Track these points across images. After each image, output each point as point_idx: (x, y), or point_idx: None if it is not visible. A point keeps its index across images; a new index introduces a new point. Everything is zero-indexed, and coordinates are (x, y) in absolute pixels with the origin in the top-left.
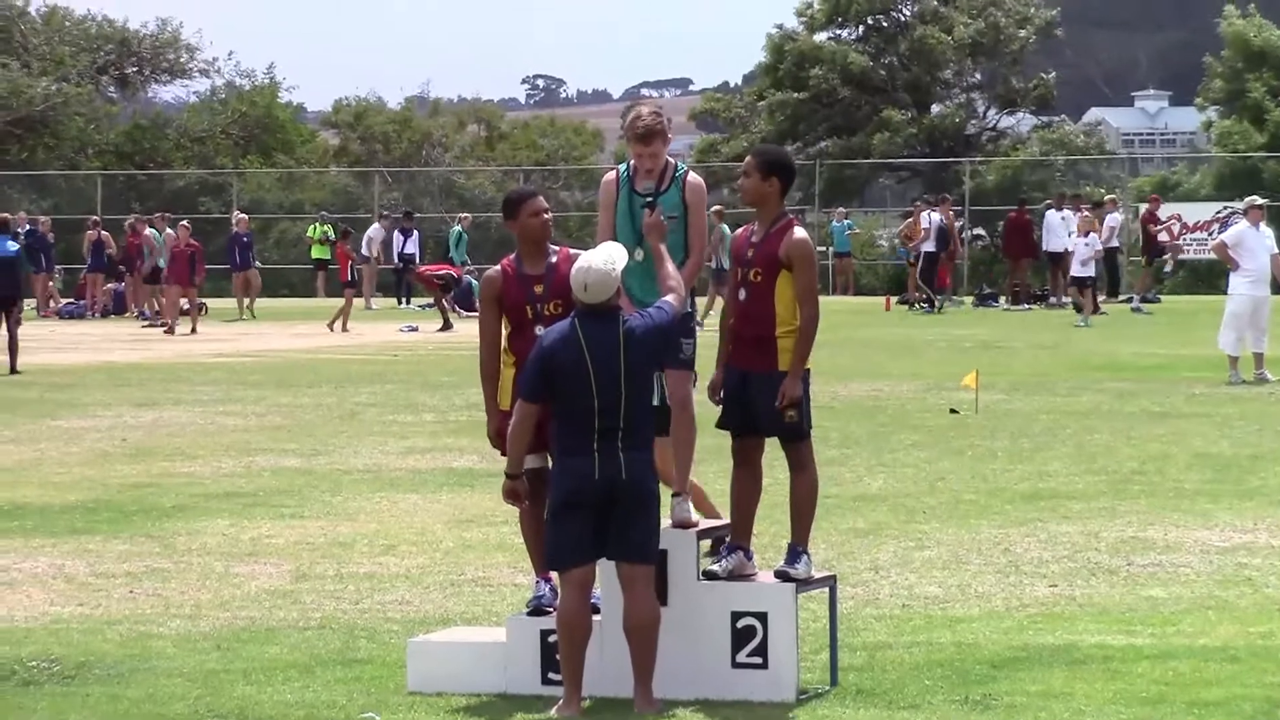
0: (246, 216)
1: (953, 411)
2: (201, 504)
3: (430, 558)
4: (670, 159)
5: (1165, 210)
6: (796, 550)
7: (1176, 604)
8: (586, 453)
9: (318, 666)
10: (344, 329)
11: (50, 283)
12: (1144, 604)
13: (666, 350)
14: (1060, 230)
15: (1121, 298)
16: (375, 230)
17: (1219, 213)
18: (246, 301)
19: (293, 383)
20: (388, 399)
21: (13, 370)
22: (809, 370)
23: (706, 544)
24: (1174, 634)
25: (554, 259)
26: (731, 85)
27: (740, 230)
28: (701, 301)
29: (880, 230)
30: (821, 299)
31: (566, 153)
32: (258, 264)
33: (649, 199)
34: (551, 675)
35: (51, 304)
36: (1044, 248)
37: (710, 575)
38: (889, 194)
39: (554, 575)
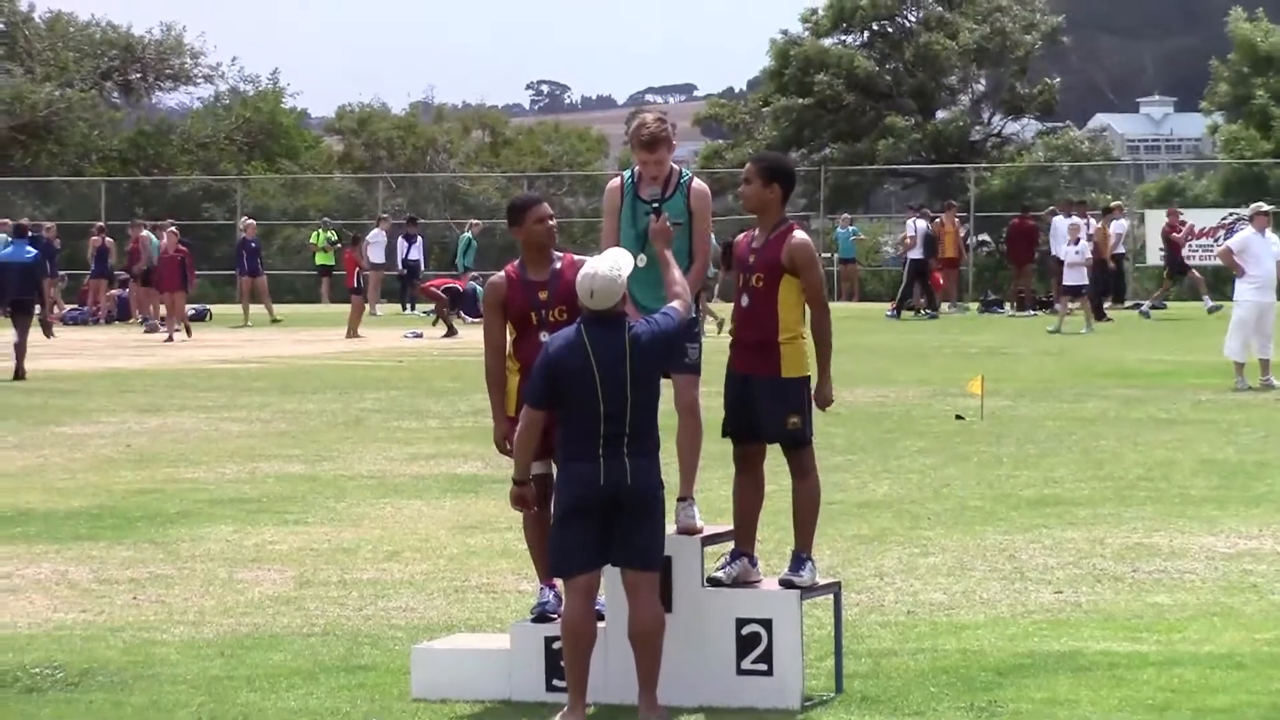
0: (254, 222)
1: (958, 417)
2: (205, 510)
3: (434, 564)
4: (675, 165)
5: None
6: (801, 557)
7: (1182, 611)
8: (592, 459)
9: (321, 673)
10: (355, 334)
11: (53, 289)
12: (1149, 610)
13: (672, 356)
14: (1066, 237)
15: (1128, 304)
16: (376, 235)
17: (1224, 219)
18: (264, 307)
19: (297, 389)
20: (392, 405)
21: (19, 375)
22: (808, 377)
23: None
24: (1180, 641)
25: (558, 265)
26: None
27: (741, 236)
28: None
29: (885, 236)
30: (828, 303)
31: (571, 159)
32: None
33: (654, 205)
34: (556, 682)
35: (55, 310)
36: (1053, 253)
37: (715, 582)
38: (894, 200)
39: (558, 582)
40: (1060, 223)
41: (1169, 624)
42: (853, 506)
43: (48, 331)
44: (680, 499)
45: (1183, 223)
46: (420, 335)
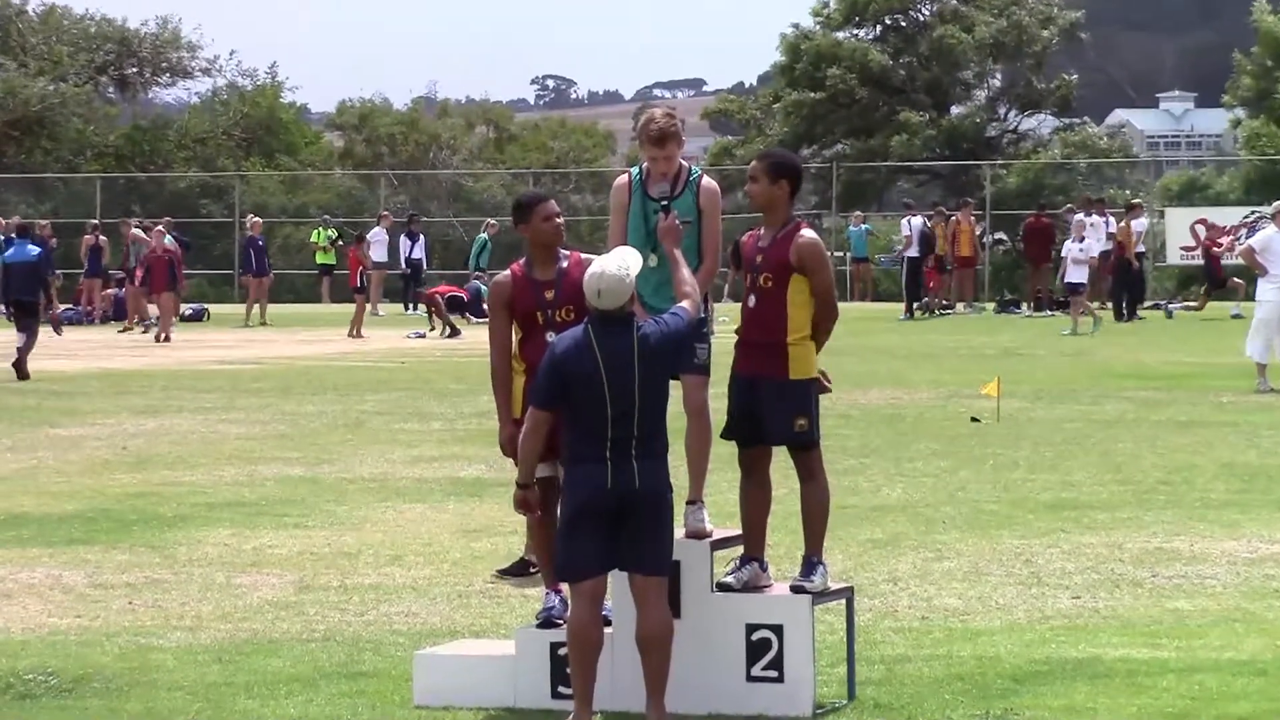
0: (260, 220)
1: (974, 420)
2: (203, 513)
3: (437, 569)
4: (684, 162)
5: (1190, 214)
6: (812, 561)
7: (1203, 616)
8: (599, 461)
9: (321, 680)
10: (359, 334)
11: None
12: (1169, 616)
13: (681, 357)
14: (1090, 234)
15: (1148, 303)
16: (377, 233)
17: (1246, 217)
18: (256, 309)
19: (297, 390)
20: (394, 407)
21: (22, 375)
22: (815, 379)
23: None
24: (1200, 647)
25: (565, 264)
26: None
27: (747, 236)
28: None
29: (899, 235)
30: (839, 305)
31: (577, 155)
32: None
33: (663, 203)
34: (561, 689)
35: (50, 309)
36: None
37: (724, 587)
38: (908, 198)
39: (564, 587)
40: (1086, 221)
41: (1189, 630)
42: (866, 510)
43: (58, 328)
44: (689, 502)
45: (1224, 236)
46: (423, 335)
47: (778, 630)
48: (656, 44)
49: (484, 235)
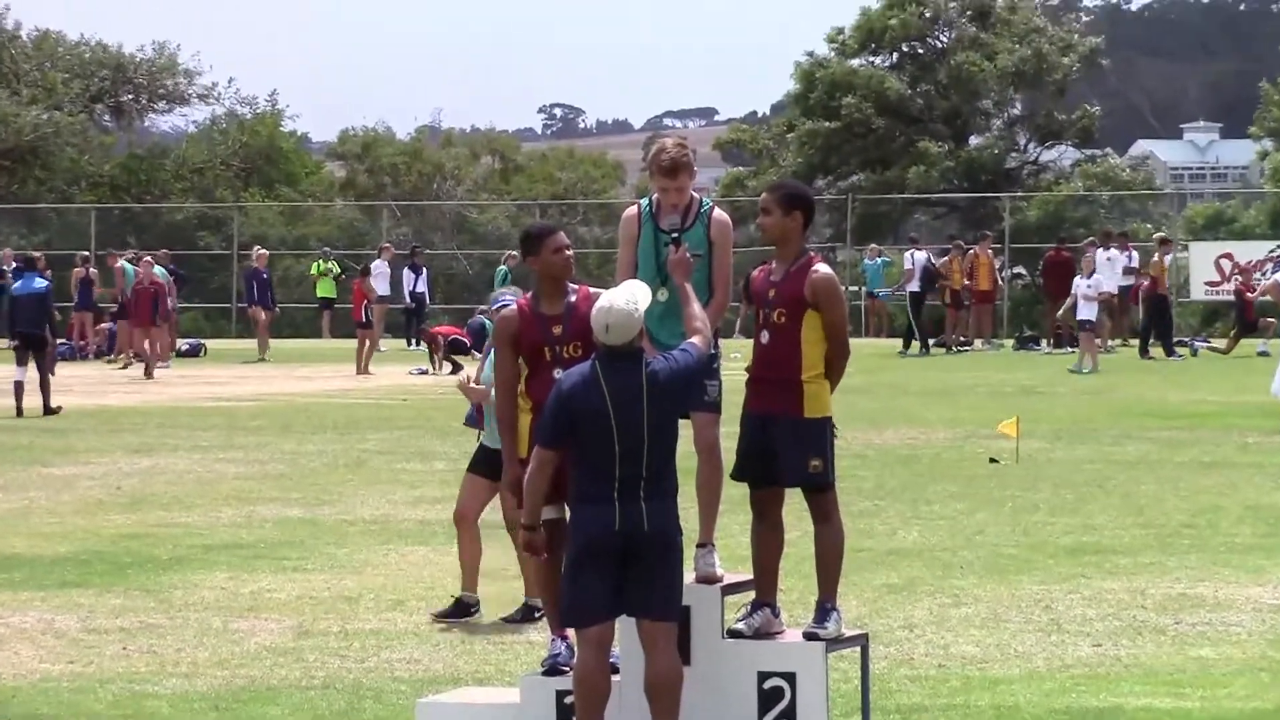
0: (266, 252)
1: (992, 460)
2: (199, 556)
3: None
4: (695, 194)
5: (1215, 249)
6: (826, 607)
7: (1228, 665)
8: (607, 502)
9: None
10: (365, 370)
11: None
12: (1193, 665)
13: (691, 394)
14: (1106, 270)
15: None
16: (379, 266)
17: (1272, 251)
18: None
19: (296, 428)
20: (396, 446)
21: (47, 410)
22: (830, 418)
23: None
24: (1225, 697)
25: (573, 298)
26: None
27: (757, 271)
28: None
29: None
30: (854, 341)
31: (585, 186)
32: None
33: (673, 235)
34: None
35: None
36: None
37: (736, 633)
38: (925, 230)
39: (571, 632)
40: (1099, 256)
41: (1214, 679)
42: (881, 554)
43: (51, 367)
44: (699, 545)
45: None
46: (426, 371)
47: (790, 678)
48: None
49: (504, 267)
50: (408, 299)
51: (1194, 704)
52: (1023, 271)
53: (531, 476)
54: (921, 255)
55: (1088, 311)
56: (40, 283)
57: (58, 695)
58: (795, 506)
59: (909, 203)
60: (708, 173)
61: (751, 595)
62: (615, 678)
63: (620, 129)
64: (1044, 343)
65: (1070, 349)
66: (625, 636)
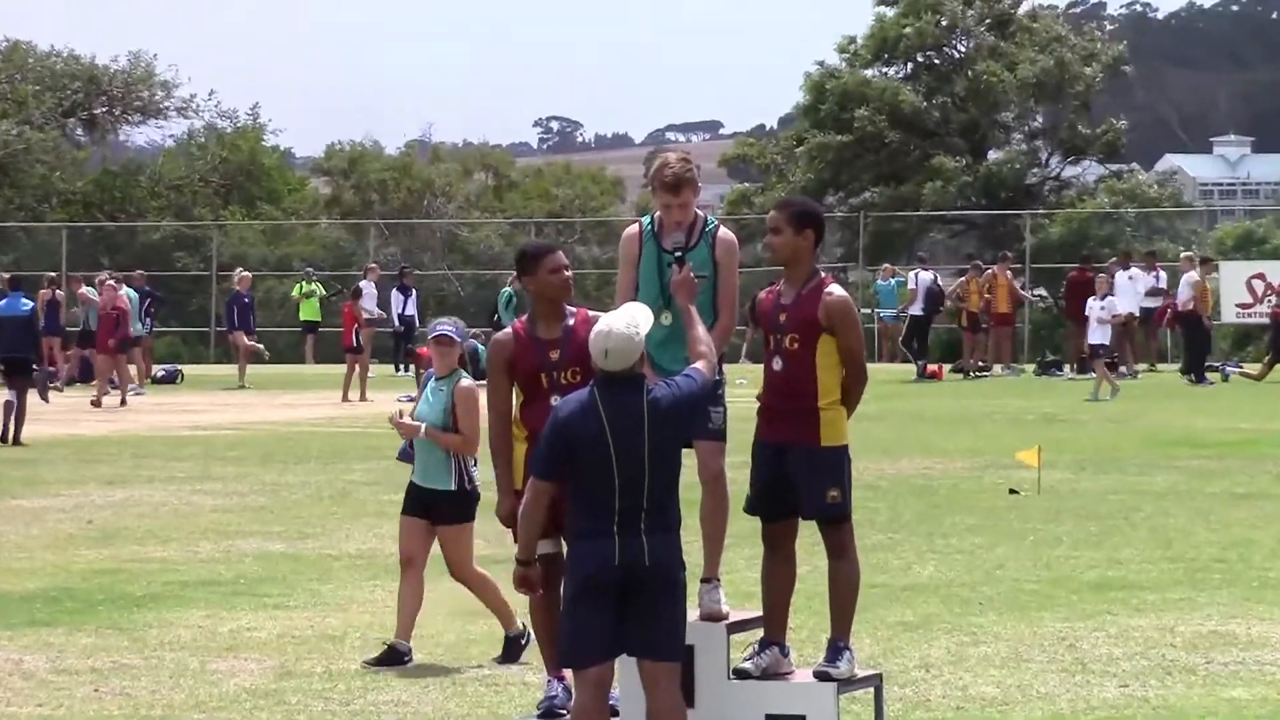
0: (249, 275)
1: (1012, 492)
2: (175, 593)
3: (429, 653)
4: (699, 211)
5: (1247, 268)
6: (838, 646)
7: (1262, 706)
8: (606, 536)
9: None
10: (363, 398)
11: None
12: (1225, 706)
13: (695, 421)
14: (1127, 291)
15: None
16: (365, 287)
17: None
18: (235, 369)
19: (278, 458)
20: (383, 477)
21: (15, 441)
22: (847, 446)
23: (740, 637)
24: None
25: (571, 321)
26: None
27: (765, 293)
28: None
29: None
30: (867, 367)
31: (583, 203)
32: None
33: (677, 254)
34: None
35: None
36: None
37: (742, 674)
38: (941, 249)
39: (568, 673)
40: (1121, 276)
41: None
42: (895, 590)
43: (44, 394)
44: (704, 580)
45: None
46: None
47: None
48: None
49: (509, 289)
50: (396, 322)
51: None
52: (1044, 293)
53: (526, 509)
54: (927, 276)
55: (1100, 335)
56: (26, 304)
57: None
58: (805, 540)
59: (924, 220)
60: (712, 189)
61: (759, 633)
62: None
63: (620, 143)
64: (1067, 368)
65: (1093, 375)
66: (625, 677)
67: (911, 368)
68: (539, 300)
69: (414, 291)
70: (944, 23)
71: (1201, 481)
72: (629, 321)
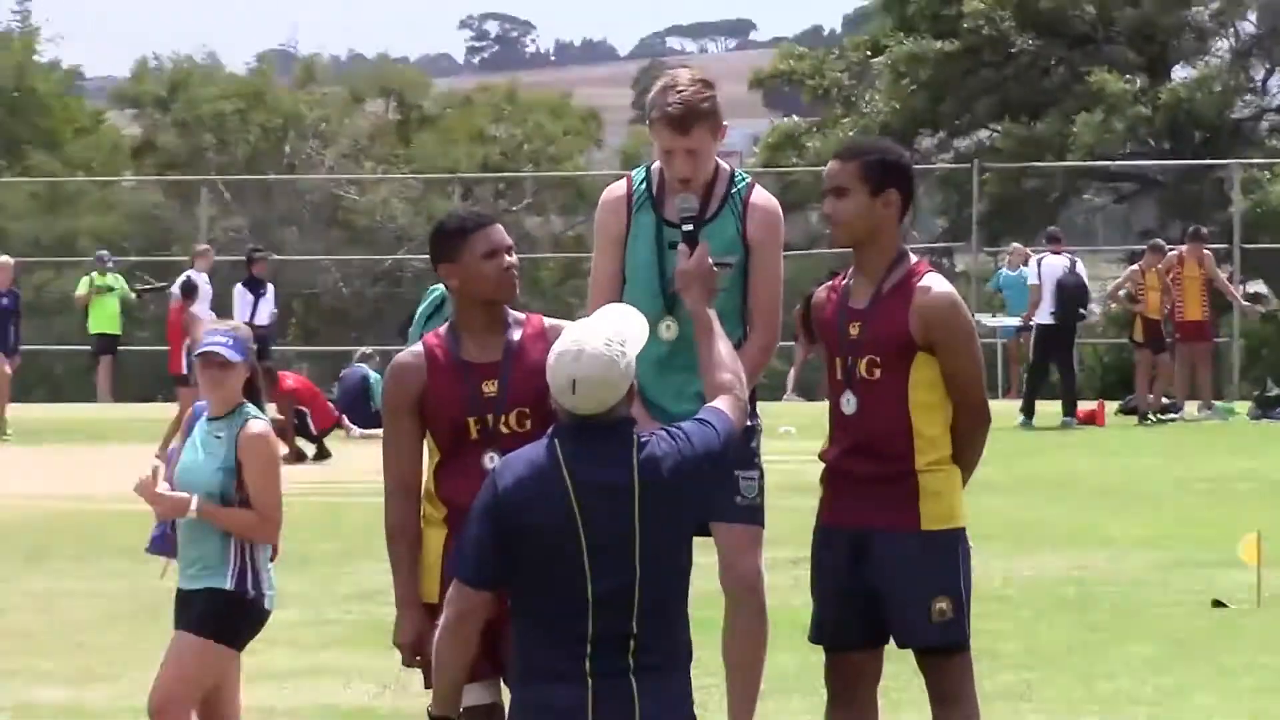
0: (10, 261)
1: (1217, 604)
2: None
3: None
4: (721, 162)
5: None
6: None
7: None
8: (573, 679)
9: None
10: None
11: None
12: None
13: (715, 494)
14: None
15: None
16: (196, 278)
17: None
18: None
19: (54, 554)
20: None
21: None
22: (963, 531)
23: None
24: None
25: (517, 335)
26: (824, 33)
27: (824, 290)
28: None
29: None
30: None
31: (537, 149)
32: None
33: (686, 229)
34: None
35: None
36: None
37: None
38: (1100, 220)
39: None
40: None
41: None
42: None
43: None
44: None
45: None
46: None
47: None
48: None
49: (440, 288)
50: None
51: None
52: (1263, 290)
53: (446, 635)
54: (1057, 264)
55: None
56: None
57: None
58: (895, 681)
59: (1072, 175)
60: (741, 127)
61: None
62: None
63: (594, 55)
64: None
65: None
66: None
67: (1054, 410)
68: (466, 303)
69: (270, 288)
70: None
71: None
72: (610, 336)
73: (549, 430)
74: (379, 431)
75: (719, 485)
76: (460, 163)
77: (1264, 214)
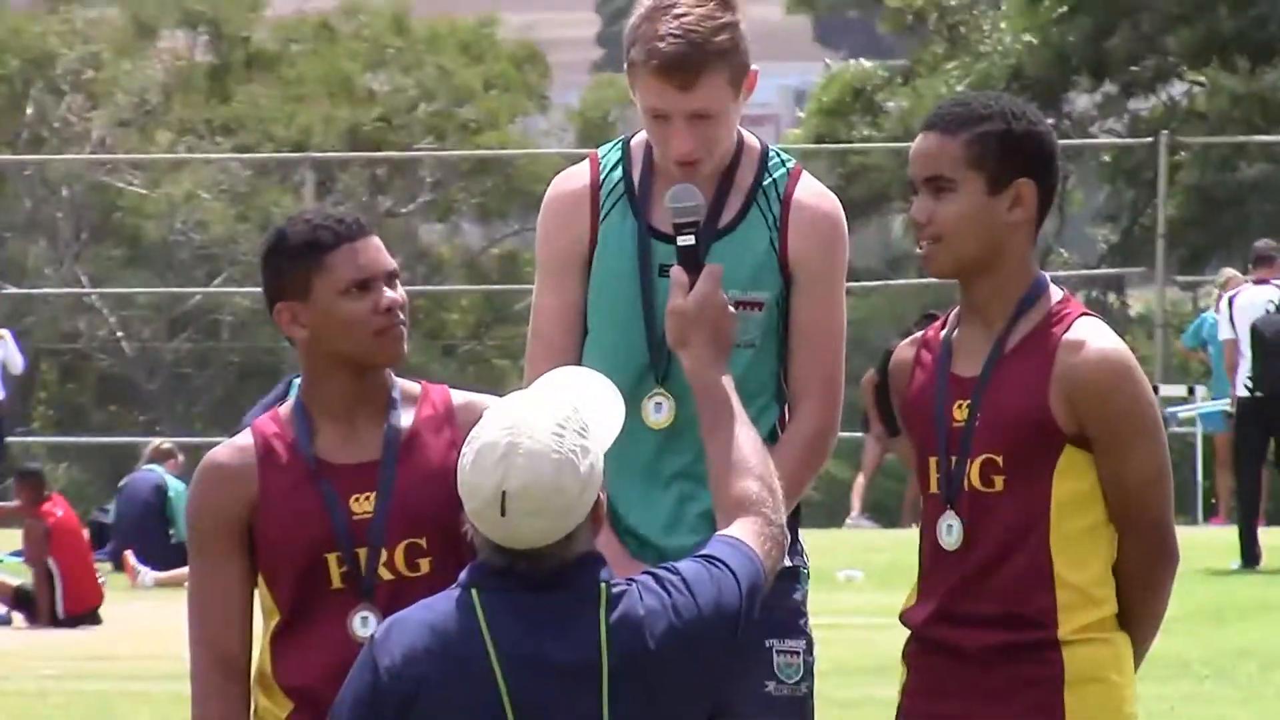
0: None
1: None
2: None
3: None
4: (748, 136)
5: None
6: None
7: None
8: None
9: None
10: None
11: None
12: None
13: (732, 674)
14: None
15: None
16: None
17: None
18: None
19: None
20: None
21: None
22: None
23: None
24: None
25: (406, 420)
26: None
27: (909, 345)
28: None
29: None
30: (1183, 533)
31: (441, 114)
32: None
33: (686, 241)
34: None
35: None
36: None
37: None
38: None
39: None
40: None
41: None
42: None
43: None
44: None
45: None
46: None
47: None
48: None
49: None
50: None
51: None
52: None
53: None
54: (1258, 299)
55: None
56: None
57: None
58: None
59: None
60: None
61: None
62: None
63: None
64: None
65: None
66: None
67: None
68: (322, 367)
69: (9, 337)
70: None
71: None
72: (561, 420)
73: (461, 576)
74: (182, 572)
75: (740, 663)
76: (313, 134)
77: None
